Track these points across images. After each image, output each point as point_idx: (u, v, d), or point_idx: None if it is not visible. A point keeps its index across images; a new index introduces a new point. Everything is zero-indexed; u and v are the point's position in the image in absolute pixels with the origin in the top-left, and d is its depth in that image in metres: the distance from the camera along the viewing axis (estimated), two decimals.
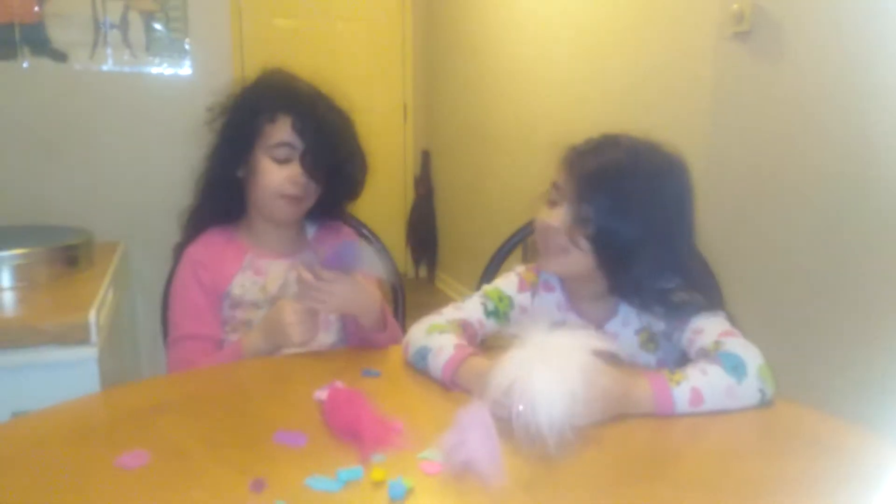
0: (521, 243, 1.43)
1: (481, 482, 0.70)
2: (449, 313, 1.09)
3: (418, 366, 1.02)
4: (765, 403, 0.91)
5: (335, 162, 1.20)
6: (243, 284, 1.22)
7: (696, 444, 0.82)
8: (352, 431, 0.79)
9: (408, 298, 1.48)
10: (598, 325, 1.09)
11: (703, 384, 0.89)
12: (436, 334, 1.01)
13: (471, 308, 1.11)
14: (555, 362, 0.79)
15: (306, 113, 1.18)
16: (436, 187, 4.37)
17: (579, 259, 1.02)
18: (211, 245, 1.23)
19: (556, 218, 1.02)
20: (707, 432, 0.86)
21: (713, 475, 0.75)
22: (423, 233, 4.37)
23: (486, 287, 1.16)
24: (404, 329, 1.45)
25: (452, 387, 0.95)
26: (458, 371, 0.94)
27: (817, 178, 1.61)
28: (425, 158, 4.40)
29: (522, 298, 1.14)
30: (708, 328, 0.99)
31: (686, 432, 0.85)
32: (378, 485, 0.71)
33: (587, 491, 0.72)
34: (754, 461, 0.78)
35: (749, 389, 0.90)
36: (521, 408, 0.77)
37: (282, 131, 1.17)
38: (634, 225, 0.99)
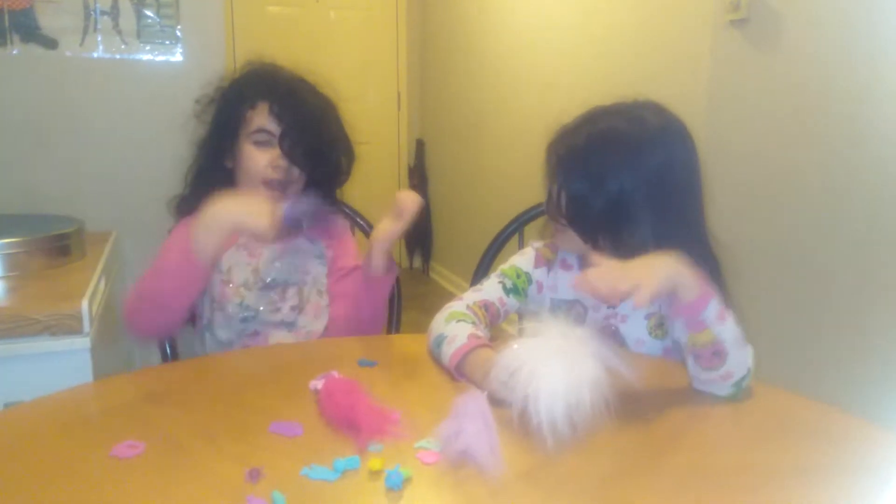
0: (516, 233, 1.43)
1: (479, 471, 0.70)
2: (469, 297, 1.10)
3: (434, 353, 1.02)
4: (741, 388, 0.91)
5: (315, 145, 1.21)
6: (237, 262, 1.21)
7: (694, 434, 0.82)
8: (348, 421, 0.79)
9: (402, 290, 1.47)
10: (612, 305, 1.11)
11: (728, 314, 0.89)
12: (453, 323, 1.02)
13: (490, 288, 1.12)
14: (567, 361, 0.78)
15: (284, 97, 1.20)
16: (430, 177, 4.36)
17: (571, 236, 1.07)
18: None
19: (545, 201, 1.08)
20: (706, 422, 0.86)
21: (712, 465, 0.75)
22: (416, 223, 4.35)
23: (503, 266, 1.17)
24: (396, 319, 1.45)
25: (458, 376, 0.95)
26: (465, 359, 0.94)
27: (815, 166, 1.61)
28: (419, 148, 4.38)
29: (538, 274, 1.15)
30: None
31: (685, 421, 0.85)
32: (375, 474, 0.70)
33: (585, 481, 0.72)
34: (754, 451, 0.78)
35: (745, 356, 0.90)
36: (524, 396, 0.76)
37: (260, 117, 1.19)
38: (604, 199, 1.01)
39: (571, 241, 1.08)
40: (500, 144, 3.36)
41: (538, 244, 1.18)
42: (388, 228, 1.13)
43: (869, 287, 1.50)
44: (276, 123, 1.19)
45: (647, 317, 1.10)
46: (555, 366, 0.77)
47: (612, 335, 1.10)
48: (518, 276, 1.14)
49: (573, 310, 1.13)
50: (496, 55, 3.36)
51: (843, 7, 1.52)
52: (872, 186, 1.47)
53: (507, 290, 1.12)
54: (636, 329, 1.09)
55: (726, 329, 0.89)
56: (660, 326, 1.09)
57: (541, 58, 2.93)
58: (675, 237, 0.99)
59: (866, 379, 1.47)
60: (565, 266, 1.15)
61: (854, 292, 1.53)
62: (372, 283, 1.19)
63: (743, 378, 0.90)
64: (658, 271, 0.83)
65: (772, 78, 1.70)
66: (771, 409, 0.90)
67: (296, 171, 1.21)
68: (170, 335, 1.22)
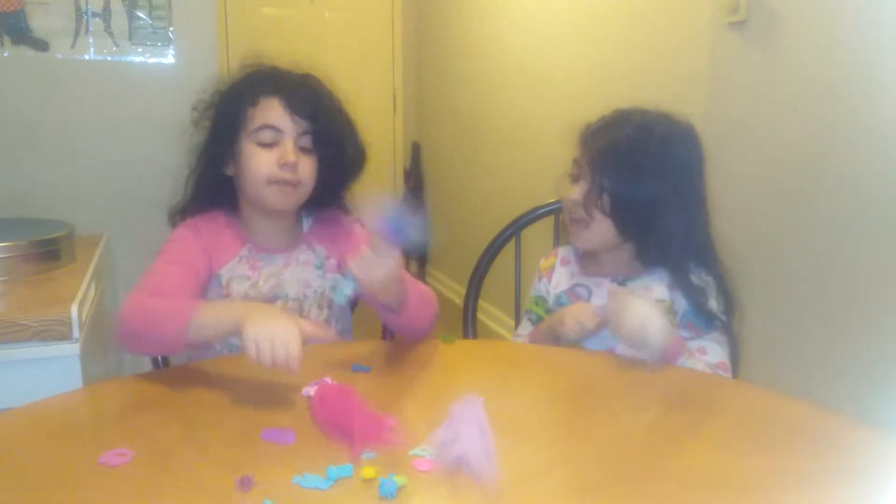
0: (513, 237, 1.42)
1: (475, 479, 0.69)
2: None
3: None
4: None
5: (336, 138, 1.16)
6: (237, 275, 1.17)
7: (695, 439, 0.81)
8: (342, 428, 0.77)
9: None
10: (620, 282, 1.15)
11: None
12: None
13: (525, 330, 1.24)
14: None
15: (296, 92, 1.14)
16: (426, 180, 4.35)
17: (600, 230, 1.11)
18: (214, 220, 1.19)
19: (575, 192, 1.12)
20: (706, 427, 0.85)
21: (713, 470, 0.74)
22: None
23: (528, 302, 1.27)
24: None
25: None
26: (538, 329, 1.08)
27: (814, 168, 1.60)
28: (415, 150, 4.37)
29: (544, 285, 1.24)
30: (711, 351, 1.10)
31: (685, 427, 0.84)
32: (369, 482, 0.69)
33: (583, 487, 0.71)
34: (755, 456, 0.77)
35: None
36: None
37: (264, 114, 1.13)
38: (646, 193, 1.07)
39: (596, 234, 1.12)
40: (498, 147, 3.35)
41: (542, 260, 1.27)
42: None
43: (869, 289, 1.49)
44: (286, 117, 1.12)
45: (657, 302, 1.09)
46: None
47: None
48: (537, 304, 1.24)
49: (575, 294, 1.19)
50: (493, 57, 3.36)
51: (842, 9, 1.51)
52: (872, 187, 1.47)
53: (534, 323, 1.23)
54: None
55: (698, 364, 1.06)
56: (668, 312, 1.09)
57: (538, 60, 2.92)
58: (692, 231, 1.11)
59: (875, 383, 1.46)
60: (564, 262, 1.24)
61: (854, 295, 1.52)
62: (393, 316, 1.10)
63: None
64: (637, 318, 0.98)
65: (771, 80, 1.69)
66: (772, 414, 0.90)
67: (305, 170, 1.14)
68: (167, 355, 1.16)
